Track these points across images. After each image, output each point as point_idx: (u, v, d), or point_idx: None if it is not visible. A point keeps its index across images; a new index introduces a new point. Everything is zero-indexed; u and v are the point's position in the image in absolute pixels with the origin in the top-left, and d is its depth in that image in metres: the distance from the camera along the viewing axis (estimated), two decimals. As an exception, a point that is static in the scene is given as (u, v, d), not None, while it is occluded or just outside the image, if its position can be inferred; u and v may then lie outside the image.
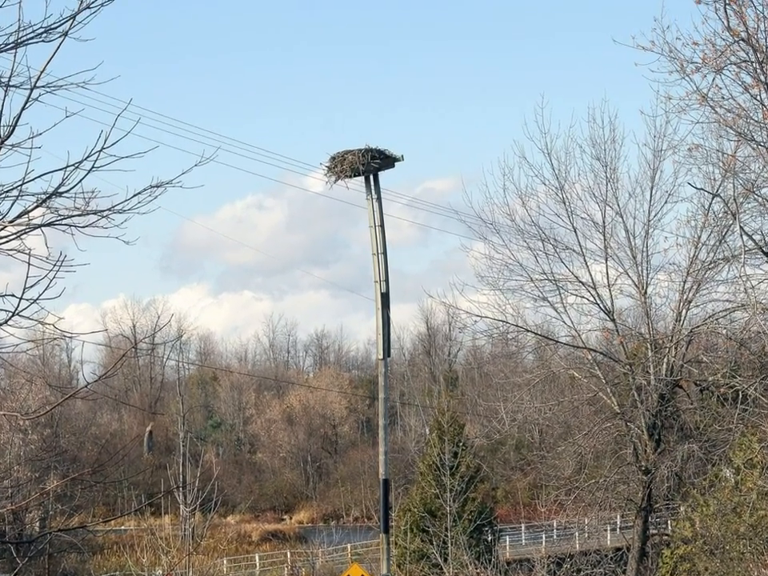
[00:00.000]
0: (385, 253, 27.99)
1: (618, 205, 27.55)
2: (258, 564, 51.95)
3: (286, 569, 48.75)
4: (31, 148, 7.28)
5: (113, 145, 7.38)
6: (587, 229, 27.80)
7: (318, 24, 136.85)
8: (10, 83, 7.38)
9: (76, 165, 7.41)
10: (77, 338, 8.17)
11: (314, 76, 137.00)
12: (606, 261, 27.67)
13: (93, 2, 7.34)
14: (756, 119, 16.60)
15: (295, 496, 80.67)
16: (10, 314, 7.33)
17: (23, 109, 7.37)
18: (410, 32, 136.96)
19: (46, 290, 7.17)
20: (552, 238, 27.69)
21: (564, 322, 28.03)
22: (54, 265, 7.18)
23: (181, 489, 33.72)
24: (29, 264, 7.16)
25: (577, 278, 27.73)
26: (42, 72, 7.38)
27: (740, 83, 16.79)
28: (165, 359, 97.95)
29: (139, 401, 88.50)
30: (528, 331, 29.10)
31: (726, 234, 26.28)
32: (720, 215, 26.03)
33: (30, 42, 7.41)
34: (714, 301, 27.07)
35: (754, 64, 16.30)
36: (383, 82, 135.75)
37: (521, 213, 27.89)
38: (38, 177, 7.38)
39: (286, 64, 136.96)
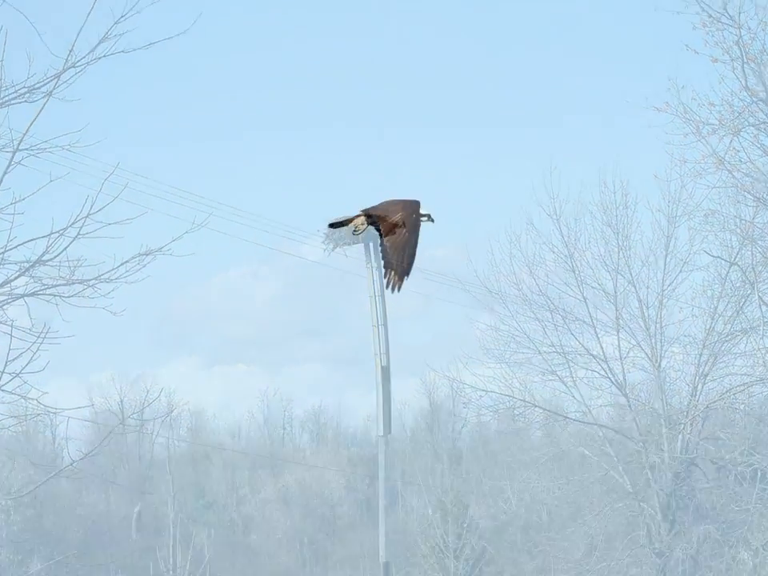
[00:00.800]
0: (385, 324, 28.07)
1: (631, 274, 27.20)
2: None
3: None
4: (14, 214, 7.13)
5: (99, 211, 7.20)
6: (598, 299, 27.53)
7: (315, 85, 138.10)
8: (-9, 145, 6.99)
9: (61, 232, 7.15)
10: (62, 413, 8.06)
11: (312, 138, 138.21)
12: (618, 332, 27.25)
13: (78, 61, 7.08)
14: (776, 184, 16.16)
15: (291, 579, 78.96)
16: (-9, 389, 6.90)
17: (5, 173, 7.29)
18: (410, 90, 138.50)
19: (29, 363, 7.04)
20: (561, 309, 27.39)
21: (574, 396, 27.65)
22: (38, 337, 7.00)
23: (171, 573, 33.27)
24: (11, 336, 6.97)
25: (587, 350, 27.36)
26: (24, 134, 7.25)
27: (758, 146, 16.47)
28: (154, 436, 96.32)
29: (127, 480, 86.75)
30: (536, 407, 28.65)
31: (743, 304, 25.72)
32: (737, 284, 25.55)
33: (12, 102, 7.22)
34: (732, 374, 26.56)
35: (773, 126, 15.90)
36: (383, 147, 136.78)
37: (528, 282, 27.75)
38: (21, 244, 7.26)
39: (283, 126, 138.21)
